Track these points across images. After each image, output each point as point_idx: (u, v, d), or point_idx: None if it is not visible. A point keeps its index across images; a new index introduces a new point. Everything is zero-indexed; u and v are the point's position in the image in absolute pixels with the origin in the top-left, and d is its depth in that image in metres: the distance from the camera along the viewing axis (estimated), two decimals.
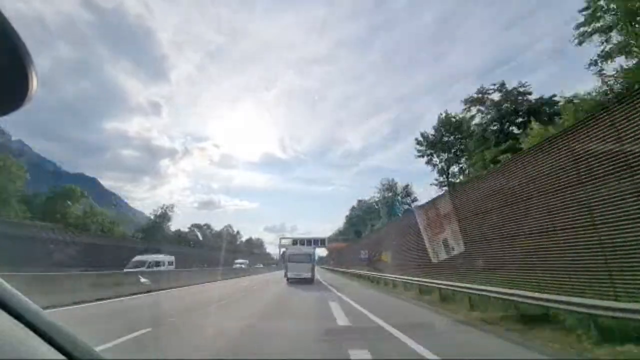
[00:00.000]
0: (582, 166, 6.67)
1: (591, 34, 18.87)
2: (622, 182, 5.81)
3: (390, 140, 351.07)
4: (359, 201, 75.52)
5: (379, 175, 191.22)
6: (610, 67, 18.25)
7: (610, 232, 6.05)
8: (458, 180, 32.14)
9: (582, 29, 19.32)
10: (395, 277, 18.11)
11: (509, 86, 27.27)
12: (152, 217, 60.11)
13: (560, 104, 22.08)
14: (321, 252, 79.78)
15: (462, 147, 32.54)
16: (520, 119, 26.02)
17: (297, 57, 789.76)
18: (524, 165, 8.56)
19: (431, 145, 35.83)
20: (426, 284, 13.38)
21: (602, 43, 18.58)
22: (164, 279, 17.08)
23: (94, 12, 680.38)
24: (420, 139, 37.79)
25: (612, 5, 17.73)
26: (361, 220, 66.19)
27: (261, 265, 61.79)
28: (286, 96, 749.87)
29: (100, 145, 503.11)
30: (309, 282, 21.11)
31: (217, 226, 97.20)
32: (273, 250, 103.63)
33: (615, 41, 18.04)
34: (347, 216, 79.45)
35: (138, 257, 21.16)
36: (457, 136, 33.34)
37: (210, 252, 57.39)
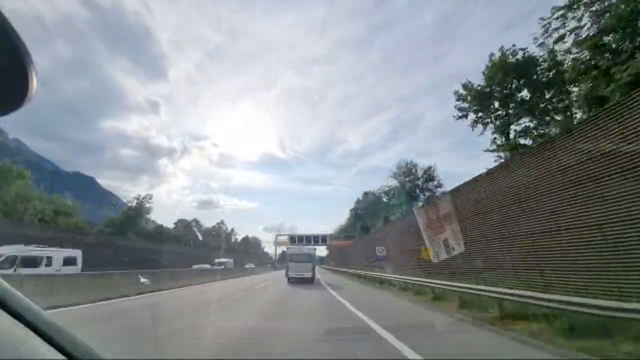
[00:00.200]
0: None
1: None
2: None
3: (390, 140, 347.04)
4: (365, 193, 66.88)
5: (379, 175, 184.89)
6: None
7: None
8: (526, 142, 22.87)
9: None
10: (439, 284, 11.38)
11: None
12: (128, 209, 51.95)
13: None
14: (320, 252, 72.65)
15: (532, 94, 23.00)
16: None
17: (297, 57, 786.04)
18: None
19: (481, 97, 25.29)
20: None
21: None
22: None
23: (93, 11, 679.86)
24: (463, 92, 26.63)
25: None
26: (370, 213, 56.87)
27: (252, 265, 53.16)
28: (286, 96, 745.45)
29: (99, 145, 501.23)
30: (309, 281, 20.92)
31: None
32: (272, 249, 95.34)
33: None
34: (351, 210, 70.66)
35: None
36: (524, 81, 22.89)
37: (191, 250, 49.34)
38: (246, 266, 50.14)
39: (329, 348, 5.55)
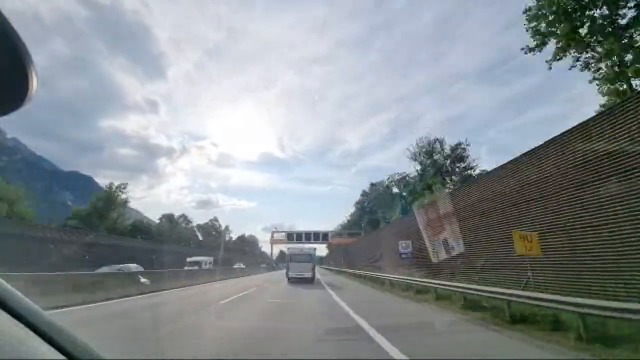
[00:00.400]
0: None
1: None
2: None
3: (389, 140, 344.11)
4: (372, 184, 59.31)
5: (379, 176, 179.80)
6: None
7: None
8: None
9: None
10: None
11: None
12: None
13: None
14: (321, 251, 66.23)
15: None
16: None
17: (297, 57, 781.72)
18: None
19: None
20: None
21: None
22: None
23: (92, 9, 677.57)
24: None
25: None
26: (382, 204, 48.52)
27: (242, 265, 45.72)
28: (286, 96, 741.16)
29: (97, 144, 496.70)
30: (309, 281, 20.63)
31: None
32: (270, 249, 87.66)
33: None
34: (357, 203, 62.99)
35: None
36: None
37: (170, 247, 42.09)
38: (235, 266, 42.74)
39: None
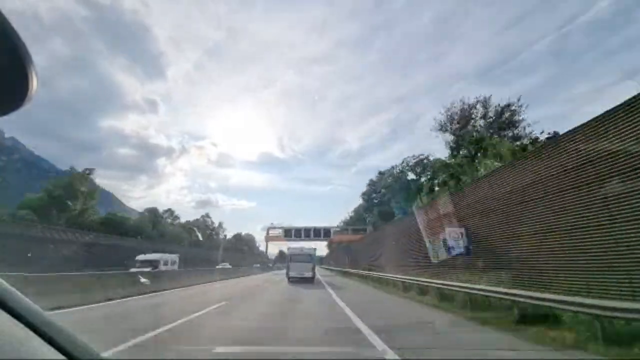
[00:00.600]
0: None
1: None
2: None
3: (388, 140, 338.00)
4: (380, 173, 51.86)
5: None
6: None
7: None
8: None
9: None
10: None
11: None
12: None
13: None
14: (321, 251, 61.66)
15: None
16: None
17: (296, 57, 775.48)
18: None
19: None
20: None
21: None
22: None
23: (91, 8, 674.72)
24: None
25: None
26: (396, 193, 40.40)
27: (228, 265, 38.53)
28: (285, 96, 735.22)
29: (96, 143, 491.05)
30: (309, 281, 20.52)
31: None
32: (272, 249, 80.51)
33: None
34: (363, 194, 55.41)
35: None
36: None
37: (140, 243, 35.13)
38: (219, 267, 35.51)
39: None
